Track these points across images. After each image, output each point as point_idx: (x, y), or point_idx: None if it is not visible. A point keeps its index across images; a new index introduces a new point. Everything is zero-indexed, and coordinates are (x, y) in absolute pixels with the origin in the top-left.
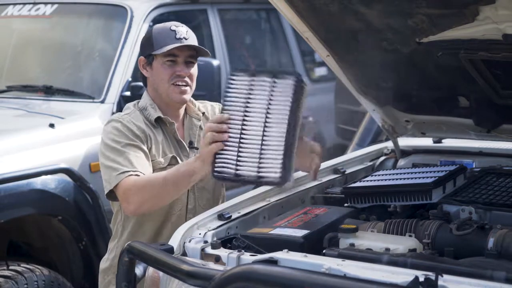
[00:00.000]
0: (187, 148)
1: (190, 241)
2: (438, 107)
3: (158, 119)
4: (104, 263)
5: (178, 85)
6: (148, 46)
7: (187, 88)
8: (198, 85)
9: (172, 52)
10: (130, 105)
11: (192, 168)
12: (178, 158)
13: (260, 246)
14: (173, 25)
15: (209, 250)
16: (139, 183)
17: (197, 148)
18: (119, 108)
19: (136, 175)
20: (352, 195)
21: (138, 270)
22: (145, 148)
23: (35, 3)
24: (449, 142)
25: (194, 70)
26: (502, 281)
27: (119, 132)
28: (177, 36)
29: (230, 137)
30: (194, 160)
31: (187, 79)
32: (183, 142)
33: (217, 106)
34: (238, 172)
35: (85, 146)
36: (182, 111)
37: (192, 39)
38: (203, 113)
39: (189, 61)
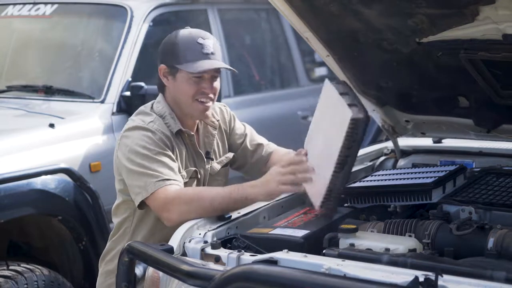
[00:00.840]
0: (205, 159)
1: (190, 241)
2: (438, 107)
3: (178, 131)
4: (107, 265)
5: (202, 101)
6: (172, 56)
7: (210, 103)
8: None
9: None
10: (146, 109)
11: (251, 199)
12: (198, 171)
13: (260, 246)
14: (200, 37)
15: (209, 250)
16: (186, 196)
17: (212, 159)
18: (119, 108)
19: (177, 185)
20: (352, 195)
21: (138, 270)
22: (174, 158)
23: (35, 3)
24: (449, 142)
25: (218, 84)
26: (502, 281)
27: (150, 140)
28: (205, 51)
29: None
30: (252, 190)
31: (211, 95)
32: (201, 153)
33: (224, 109)
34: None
35: (85, 146)
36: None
37: (218, 53)
38: (217, 120)
39: (214, 76)
